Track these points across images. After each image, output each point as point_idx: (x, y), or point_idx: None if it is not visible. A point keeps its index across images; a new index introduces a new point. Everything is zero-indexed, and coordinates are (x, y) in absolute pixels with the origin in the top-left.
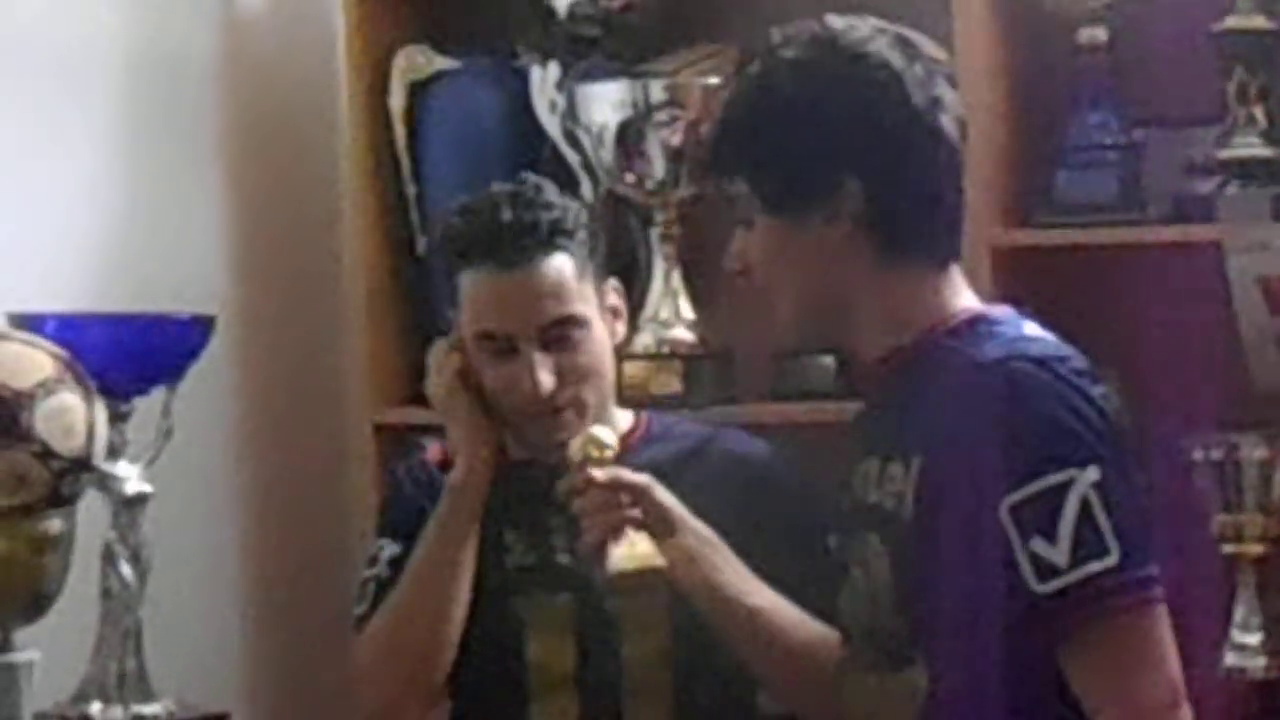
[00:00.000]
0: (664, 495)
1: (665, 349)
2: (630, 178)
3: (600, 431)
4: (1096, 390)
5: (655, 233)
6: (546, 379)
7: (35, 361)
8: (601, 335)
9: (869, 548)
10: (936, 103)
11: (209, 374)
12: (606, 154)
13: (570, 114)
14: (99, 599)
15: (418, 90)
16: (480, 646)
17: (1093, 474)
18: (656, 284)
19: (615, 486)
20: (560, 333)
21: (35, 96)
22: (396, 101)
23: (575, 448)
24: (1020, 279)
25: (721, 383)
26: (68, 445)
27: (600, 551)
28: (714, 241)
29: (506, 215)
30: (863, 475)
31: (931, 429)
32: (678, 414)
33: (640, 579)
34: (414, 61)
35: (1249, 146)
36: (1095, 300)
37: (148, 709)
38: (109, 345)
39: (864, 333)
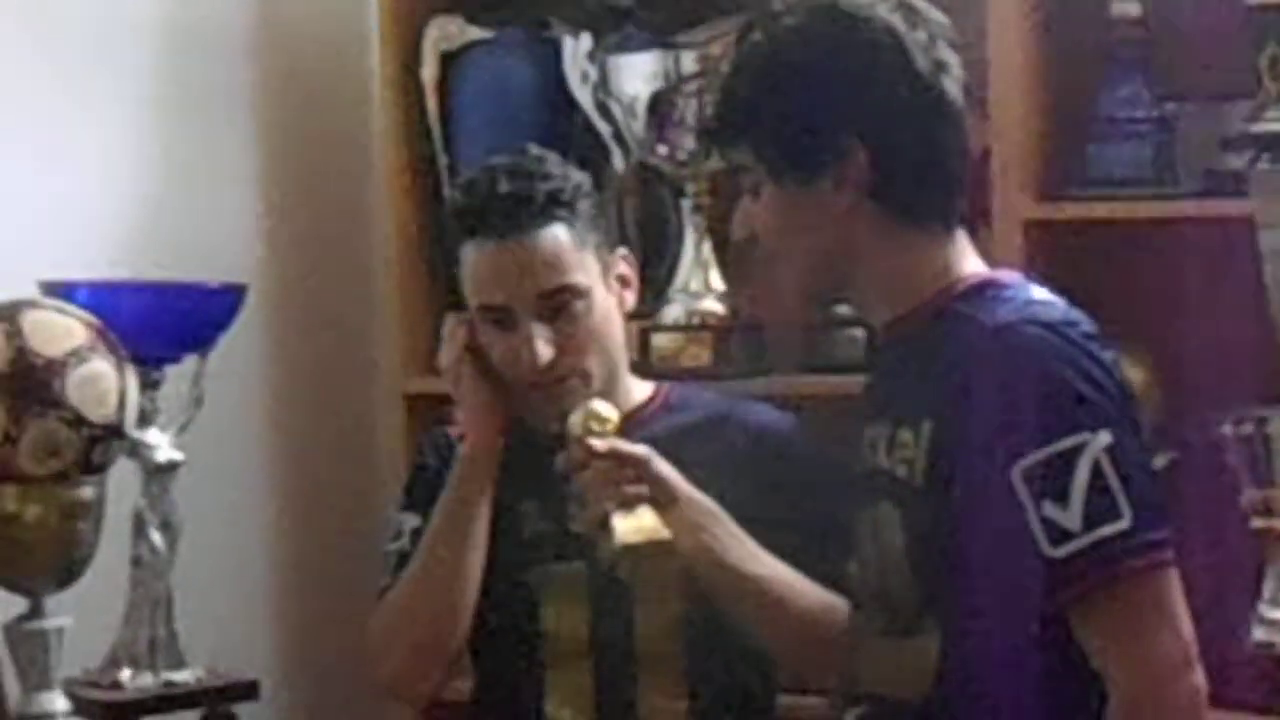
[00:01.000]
0: (663, 466)
1: (695, 321)
2: (661, 149)
3: (599, 405)
4: (1106, 354)
5: (686, 204)
6: (544, 349)
7: (67, 329)
8: (604, 304)
9: (880, 513)
10: (940, 66)
11: (240, 342)
12: (638, 125)
13: (602, 85)
14: (129, 566)
15: (449, 61)
16: (496, 616)
17: (1104, 438)
18: (687, 255)
19: (614, 458)
20: (558, 302)
21: (69, 65)
22: (428, 72)
23: (575, 421)
24: (1052, 252)
25: (752, 355)
26: (99, 413)
27: (605, 525)
28: None
29: (504, 187)
30: (873, 441)
31: (942, 394)
32: (706, 386)
33: (646, 551)
34: (446, 32)
35: None
36: (1126, 274)
37: (178, 676)
38: (141, 313)
39: (872, 298)
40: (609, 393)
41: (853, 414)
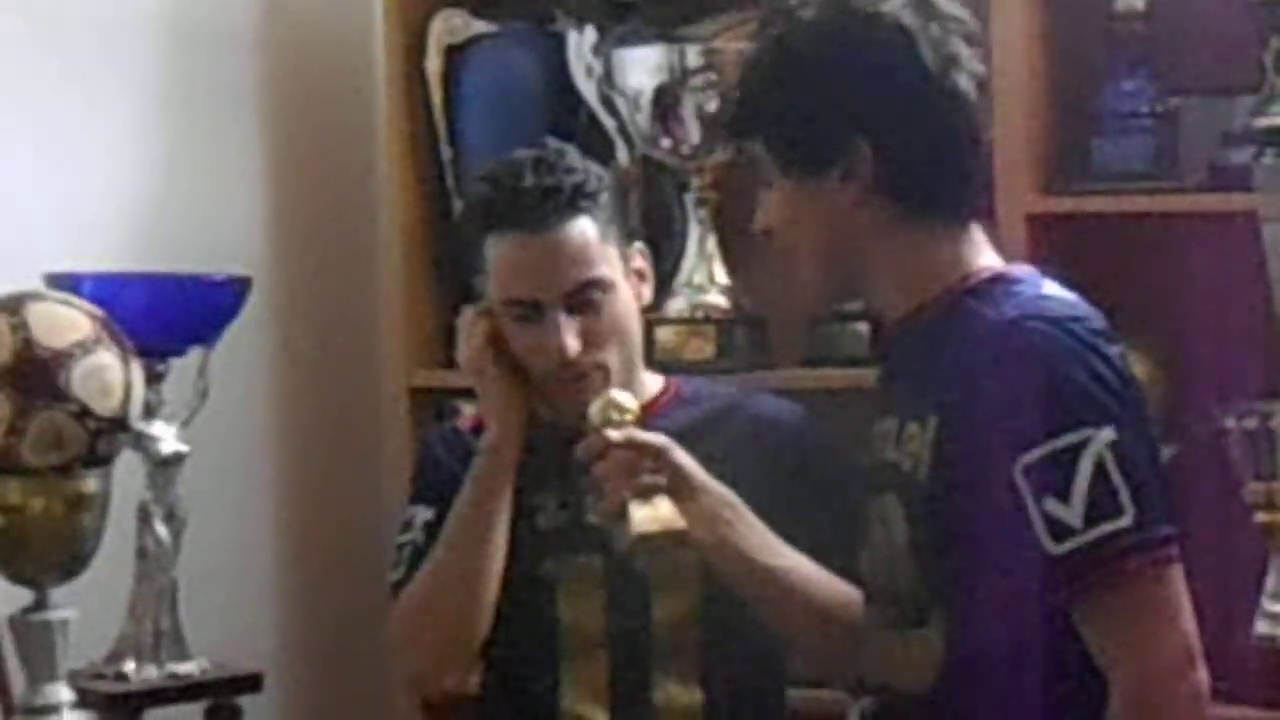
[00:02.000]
0: (682, 457)
1: (699, 314)
2: (666, 143)
3: (620, 395)
4: (1113, 350)
5: (690, 198)
6: (572, 342)
7: (72, 321)
8: (626, 298)
9: (887, 507)
10: (952, 61)
11: (245, 335)
12: (642, 119)
13: (607, 79)
14: (134, 558)
15: (454, 54)
16: (512, 607)
17: (1108, 434)
18: (691, 249)
19: (634, 448)
20: (585, 296)
21: (74, 59)
22: (433, 65)
23: (595, 411)
24: (1055, 246)
25: (755, 348)
26: (104, 405)
27: (622, 515)
28: (748, 207)
29: (529, 180)
30: (882, 435)
31: (948, 389)
32: (710, 379)
33: (663, 541)
34: (451, 25)
35: None
36: (1130, 268)
37: (182, 668)
38: (146, 306)
39: (883, 293)
40: (626, 386)
41: (855, 407)
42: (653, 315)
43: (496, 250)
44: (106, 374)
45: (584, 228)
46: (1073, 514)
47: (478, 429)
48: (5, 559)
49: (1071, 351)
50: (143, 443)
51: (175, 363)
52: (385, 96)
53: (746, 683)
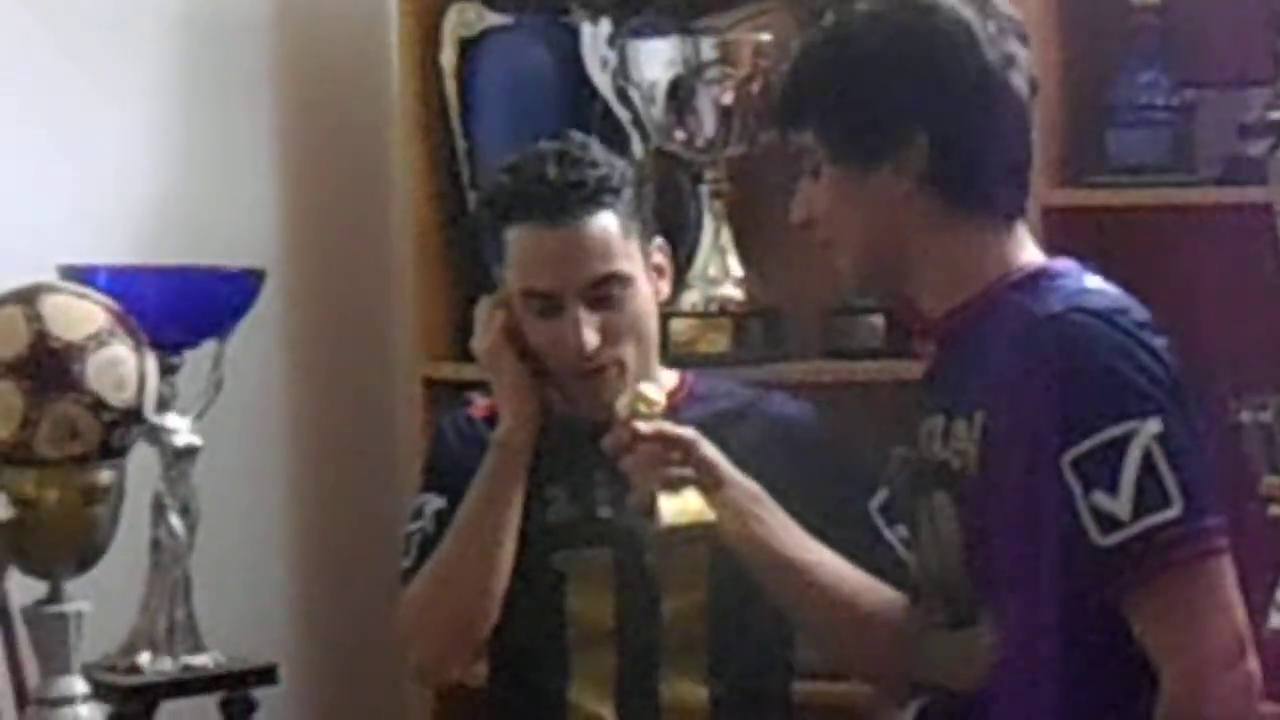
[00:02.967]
0: (710, 450)
1: (714, 307)
2: (680, 135)
3: (648, 388)
4: (1158, 342)
5: (704, 190)
6: (591, 336)
7: (87, 313)
8: (646, 293)
9: (936, 505)
10: (1009, 60)
11: (259, 327)
12: (657, 111)
13: (621, 71)
14: (148, 551)
15: (468, 47)
16: (521, 600)
17: (1154, 426)
18: (705, 241)
19: (662, 441)
20: (605, 291)
21: (89, 53)
22: (447, 58)
23: (623, 404)
24: (1070, 238)
25: (770, 341)
26: (119, 397)
27: (650, 508)
28: (763, 199)
29: (553, 172)
30: (928, 433)
31: (993, 384)
32: (726, 372)
33: (690, 534)
34: (465, 18)
35: None
36: (1145, 261)
37: (196, 660)
38: (160, 298)
39: (928, 287)
40: (643, 381)
41: (870, 400)
42: (667, 308)
43: (517, 241)
44: (121, 366)
45: (606, 222)
46: (1121, 506)
47: (491, 417)
48: (19, 551)
49: (1117, 344)
50: (157, 435)
51: (190, 355)
52: (400, 89)
53: (754, 681)
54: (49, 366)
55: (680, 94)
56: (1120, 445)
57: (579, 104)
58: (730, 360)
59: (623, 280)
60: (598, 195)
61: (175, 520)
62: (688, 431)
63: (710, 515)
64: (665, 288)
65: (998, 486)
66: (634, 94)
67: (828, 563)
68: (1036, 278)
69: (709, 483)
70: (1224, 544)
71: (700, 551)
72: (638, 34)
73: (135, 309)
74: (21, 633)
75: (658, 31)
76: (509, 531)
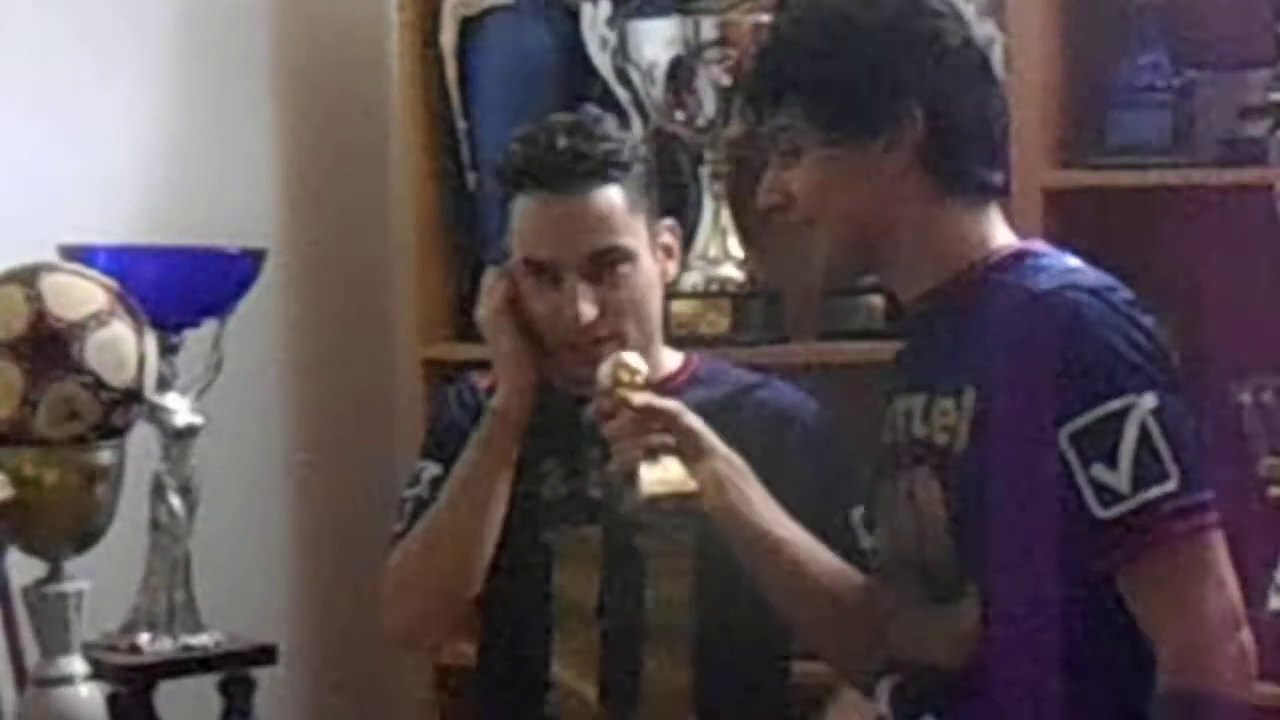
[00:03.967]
0: (694, 420)
1: (714, 287)
2: (680, 115)
3: (629, 356)
4: (1147, 319)
5: (705, 171)
6: (588, 309)
7: (87, 293)
8: (649, 271)
9: (917, 482)
10: (990, 40)
11: (259, 307)
12: (657, 91)
13: (621, 51)
14: (148, 530)
15: (468, 26)
16: (510, 574)
17: (1150, 400)
18: (705, 222)
19: (644, 410)
20: (606, 263)
21: (90, 33)
22: (447, 37)
23: (604, 372)
24: (1071, 220)
25: (769, 322)
26: (119, 377)
27: (631, 475)
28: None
29: (562, 143)
30: (905, 411)
31: (985, 361)
32: (726, 352)
33: (672, 502)
34: None
35: None
36: (1146, 242)
37: (196, 640)
38: (160, 278)
39: (908, 267)
40: (645, 360)
41: (869, 381)
42: (667, 288)
43: (522, 210)
44: (121, 346)
45: (611, 195)
46: (1120, 479)
47: (494, 389)
48: (19, 530)
49: (1112, 320)
50: (157, 415)
51: (189, 335)
52: (399, 69)
53: (738, 668)
54: (49, 346)
55: (680, 74)
56: (1119, 418)
57: (579, 84)
58: (730, 340)
59: (625, 255)
60: (605, 168)
61: (175, 500)
62: (670, 402)
63: (692, 485)
64: (673, 269)
65: (991, 461)
66: (634, 74)
67: (803, 542)
68: (1020, 258)
69: (691, 451)
70: (1216, 518)
71: (689, 535)
72: (638, 14)
73: (135, 288)
74: (21, 612)
75: (658, 11)
76: (497, 501)
